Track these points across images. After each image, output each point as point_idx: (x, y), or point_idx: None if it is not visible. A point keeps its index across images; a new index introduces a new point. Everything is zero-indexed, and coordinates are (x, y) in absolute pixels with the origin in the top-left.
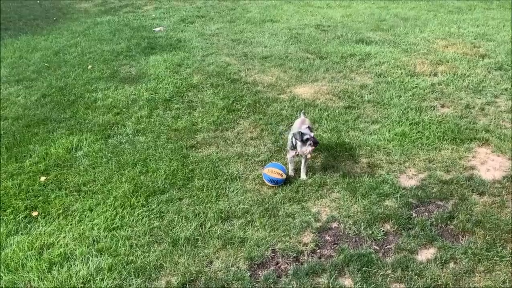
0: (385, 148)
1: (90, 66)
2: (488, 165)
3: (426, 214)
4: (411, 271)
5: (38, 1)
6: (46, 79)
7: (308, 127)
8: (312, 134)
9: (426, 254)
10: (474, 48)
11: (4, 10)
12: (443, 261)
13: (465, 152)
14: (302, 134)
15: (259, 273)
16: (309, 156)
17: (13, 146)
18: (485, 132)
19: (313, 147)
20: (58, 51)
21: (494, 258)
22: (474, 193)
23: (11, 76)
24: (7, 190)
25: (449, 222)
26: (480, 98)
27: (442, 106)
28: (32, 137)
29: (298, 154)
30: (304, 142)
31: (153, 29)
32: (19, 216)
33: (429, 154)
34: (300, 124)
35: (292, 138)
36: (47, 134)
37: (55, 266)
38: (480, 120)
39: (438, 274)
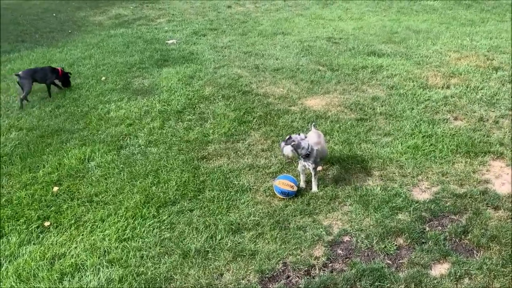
0: (397, 161)
1: (103, 78)
2: (502, 179)
3: (440, 228)
4: (425, 286)
5: (54, 14)
6: (60, 91)
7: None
8: (301, 143)
9: (440, 269)
10: (487, 61)
11: (21, 23)
12: (457, 276)
13: (479, 166)
14: (290, 137)
15: (270, 286)
16: (319, 168)
17: (27, 156)
18: (499, 146)
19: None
20: (73, 63)
21: (511, 275)
22: (488, 207)
23: None
24: (20, 200)
25: (463, 236)
26: (494, 111)
27: (455, 119)
28: (45, 147)
29: (305, 166)
30: (286, 141)
31: (166, 41)
32: (31, 226)
33: (442, 167)
34: (318, 138)
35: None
36: (60, 145)
37: (66, 277)
38: (494, 133)
39: None
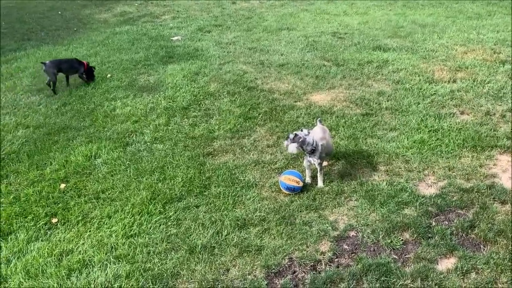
0: (403, 155)
1: (109, 75)
2: (510, 173)
3: (446, 222)
4: (431, 281)
5: (59, 12)
6: (67, 88)
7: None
8: (306, 139)
9: (446, 264)
10: (494, 54)
11: (27, 21)
12: (464, 271)
13: (486, 160)
14: (296, 134)
15: (276, 281)
16: (325, 163)
17: (34, 153)
18: (506, 140)
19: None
20: None
21: None
22: (495, 202)
23: (33, 85)
24: (28, 197)
25: (470, 231)
26: (501, 105)
27: (462, 113)
28: (52, 145)
29: (311, 162)
30: (293, 139)
31: (171, 38)
32: (39, 223)
33: (449, 162)
34: (323, 133)
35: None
36: (67, 142)
37: (74, 273)
38: (501, 127)
39: (459, 284)
